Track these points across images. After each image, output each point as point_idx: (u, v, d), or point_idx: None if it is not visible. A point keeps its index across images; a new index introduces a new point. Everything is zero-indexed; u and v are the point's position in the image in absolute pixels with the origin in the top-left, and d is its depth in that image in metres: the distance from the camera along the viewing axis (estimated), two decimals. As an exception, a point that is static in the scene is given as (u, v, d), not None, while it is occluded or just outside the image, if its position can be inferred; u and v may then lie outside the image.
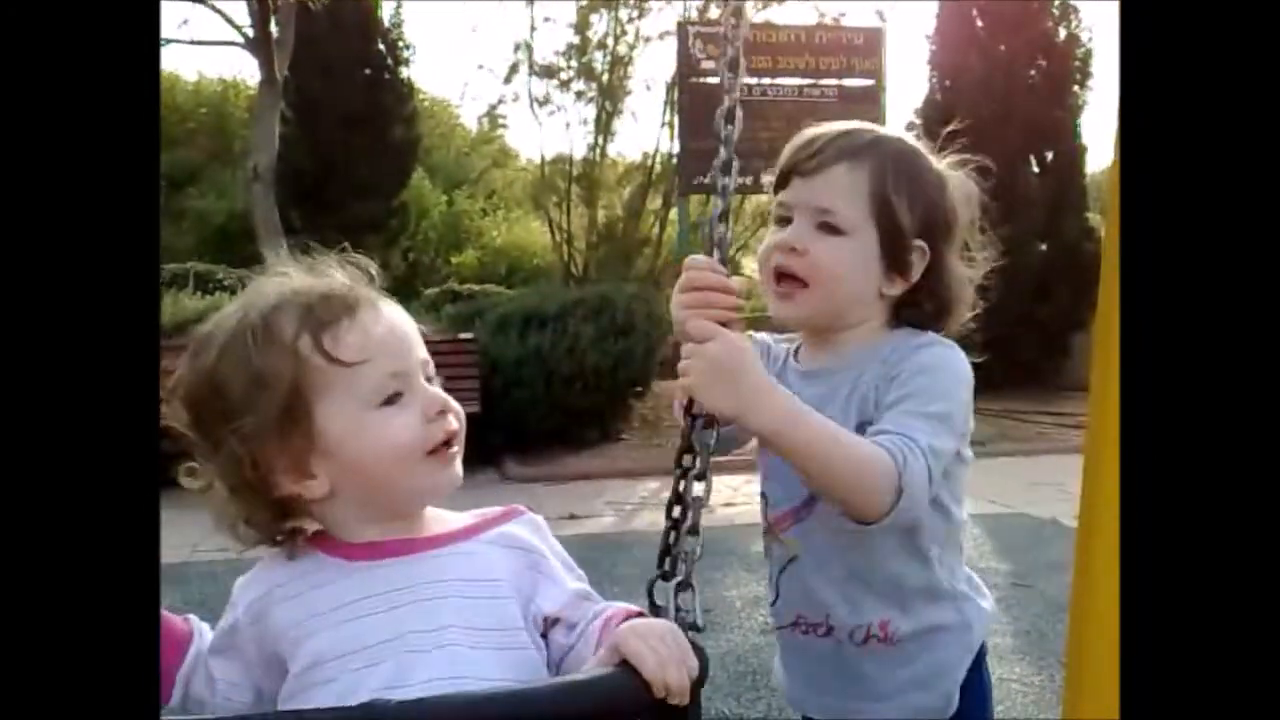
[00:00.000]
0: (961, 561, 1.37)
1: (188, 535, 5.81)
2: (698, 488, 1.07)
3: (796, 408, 1.12)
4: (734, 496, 6.74)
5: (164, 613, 1.05)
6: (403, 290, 13.24)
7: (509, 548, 1.06)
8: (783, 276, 1.29)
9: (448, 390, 1.07)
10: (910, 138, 1.38)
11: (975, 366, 1.32)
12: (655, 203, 14.01)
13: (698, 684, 0.91)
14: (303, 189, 11.84)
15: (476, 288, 12.30)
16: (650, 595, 1.04)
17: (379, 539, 1.03)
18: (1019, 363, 11.08)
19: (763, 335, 1.43)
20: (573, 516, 5.71)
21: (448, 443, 1.03)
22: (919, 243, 1.29)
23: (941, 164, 1.37)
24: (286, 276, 1.05)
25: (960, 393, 1.25)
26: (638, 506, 6.42)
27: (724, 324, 1.12)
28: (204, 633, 1.10)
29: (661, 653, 0.89)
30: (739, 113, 1.13)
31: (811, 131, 1.33)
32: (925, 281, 1.31)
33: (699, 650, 0.93)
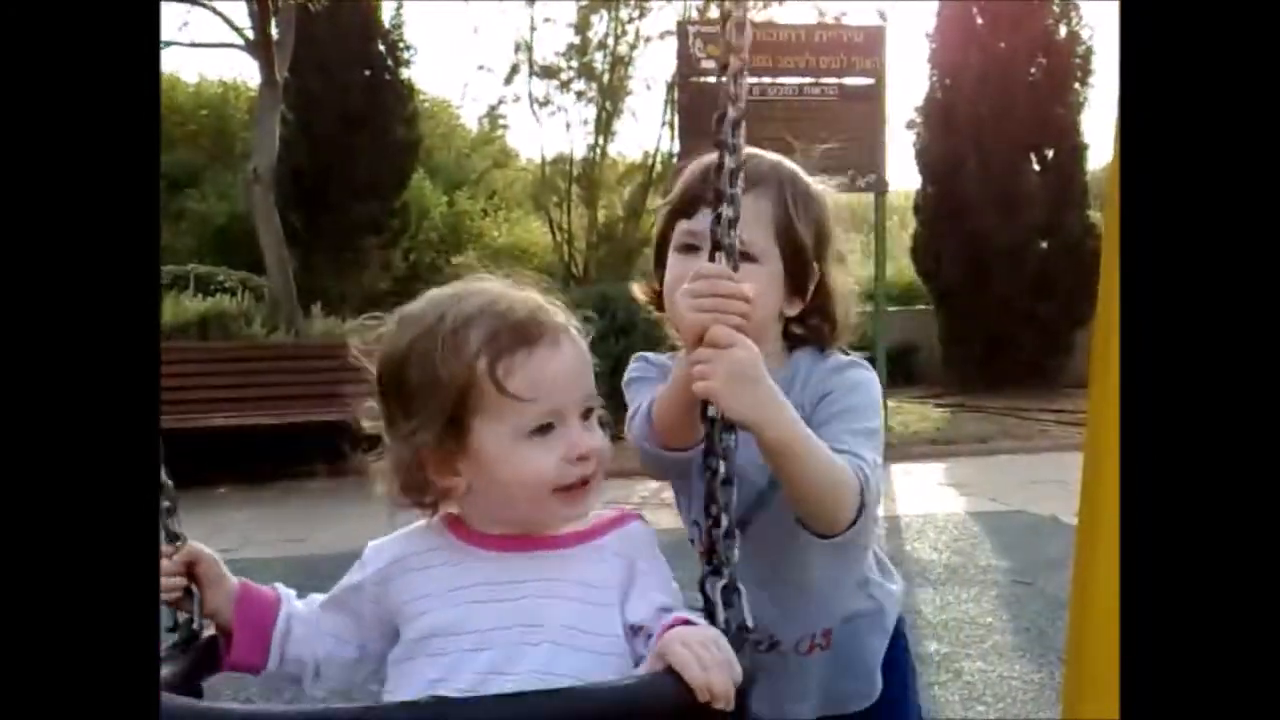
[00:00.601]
0: (874, 545, 1.43)
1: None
2: (726, 492, 1.09)
3: (797, 416, 1.15)
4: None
5: (249, 582, 1.18)
6: (404, 291, 13.20)
7: (618, 555, 1.12)
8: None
9: None
10: (787, 159, 1.39)
11: (975, 361, 1.34)
12: (656, 203, 14.00)
13: (743, 689, 0.94)
14: (303, 190, 11.83)
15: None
16: (703, 589, 1.08)
17: (507, 533, 1.12)
18: (1020, 360, 11.08)
19: (657, 356, 1.43)
20: (574, 516, 5.79)
21: (585, 482, 1.10)
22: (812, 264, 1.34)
23: (821, 186, 1.40)
24: (489, 288, 1.13)
25: (878, 407, 1.33)
26: (637, 506, 6.41)
27: (737, 330, 1.12)
28: (291, 598, 1.19)
29: (705, 658, 0.92)
30: (744, 125, 1.12)
31: (710, 159, 1.27)
32: (816, 299, 1.35)
33: (744, 655, 0.97)
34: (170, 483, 1.15)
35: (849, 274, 1.43)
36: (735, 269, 1.12)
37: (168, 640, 1.14)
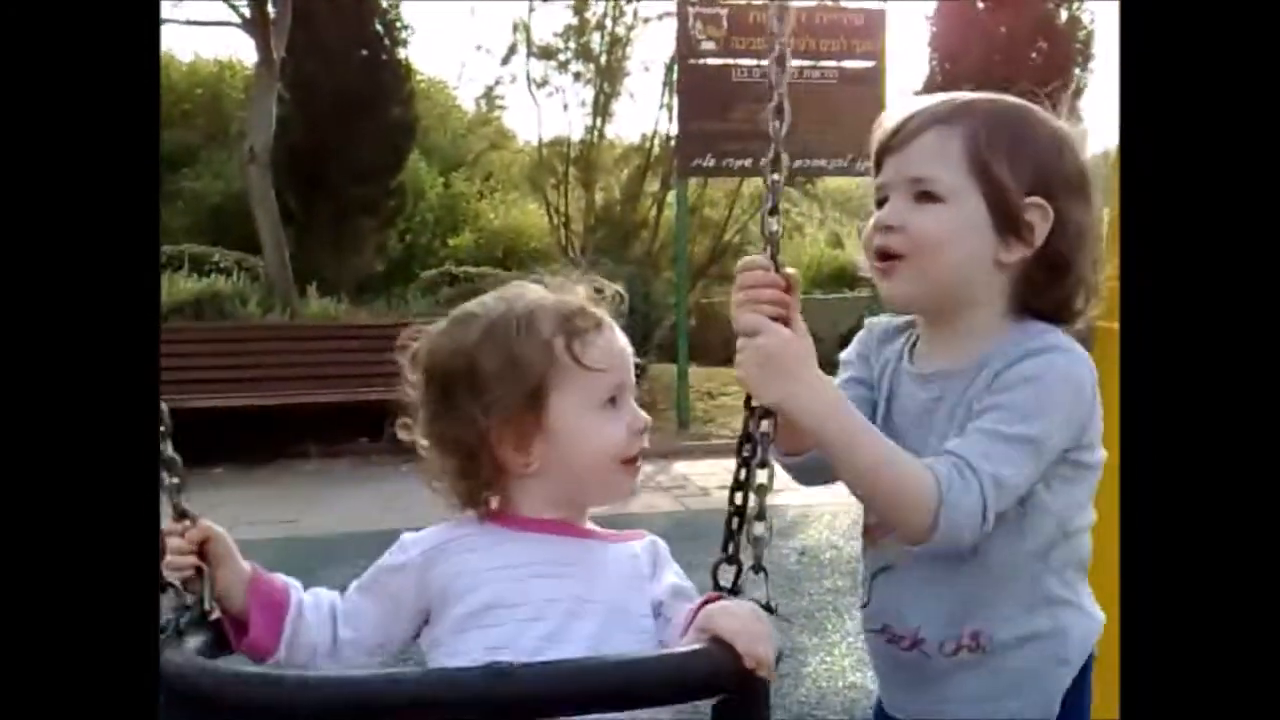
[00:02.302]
0: (1076, 569, 1.27)
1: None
2: (761, 475, 1.11)
3: (841, 408, 1.12)
4: (730, 480, 6.76)
5: (259, 569, 1.18)
6: (400, 272, 13.21)
7: (646, 553, 1.22)
8: (884, 255, 1.24)
9: None
10: (1012, 97, 1.29)
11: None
12: (653, 185, 13.97)
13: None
14: (299, 170, 11.77)
15: (474, 270, 12.25)
16: (715, 577, 1.12)
17: (554, 518, 1.20)
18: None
19: (882, 318, 1.38)
20: (570, 498, 5.80)
21: (637, 458, 1.20)
22: (1034, 199, 1.20)
23: (1059, 121, 1.27)
24: (543, 287, 1.24)
25: (1063, 409, 1.16)
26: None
27: (779, 319, 1.11)
28: (298, 587, 1.21)
29: (752, 629, 0.99)
30: (787, 109, 1.11)
31: (898, 108, 1.28)
32: (1048, 247, 1.21)
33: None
34: (179, 459, 1.13)
35: (1102, 221, 1.26)
36: (773, 256, 1.12)
37: (172, 618, 1.09)
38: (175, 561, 1.12)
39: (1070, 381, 1.17)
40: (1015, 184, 1.20)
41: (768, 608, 1.05)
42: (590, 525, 1.23)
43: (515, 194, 17.55)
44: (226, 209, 13.55)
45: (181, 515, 1.15)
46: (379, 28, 12.81)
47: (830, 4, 11.41)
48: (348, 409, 7.38)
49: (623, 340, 1.22)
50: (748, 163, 9.03)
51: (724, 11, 9.16)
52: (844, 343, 1.42)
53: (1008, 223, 1.20)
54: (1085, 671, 1.28)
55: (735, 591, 1.09)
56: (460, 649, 1.10)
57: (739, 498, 1.13)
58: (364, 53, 12.56)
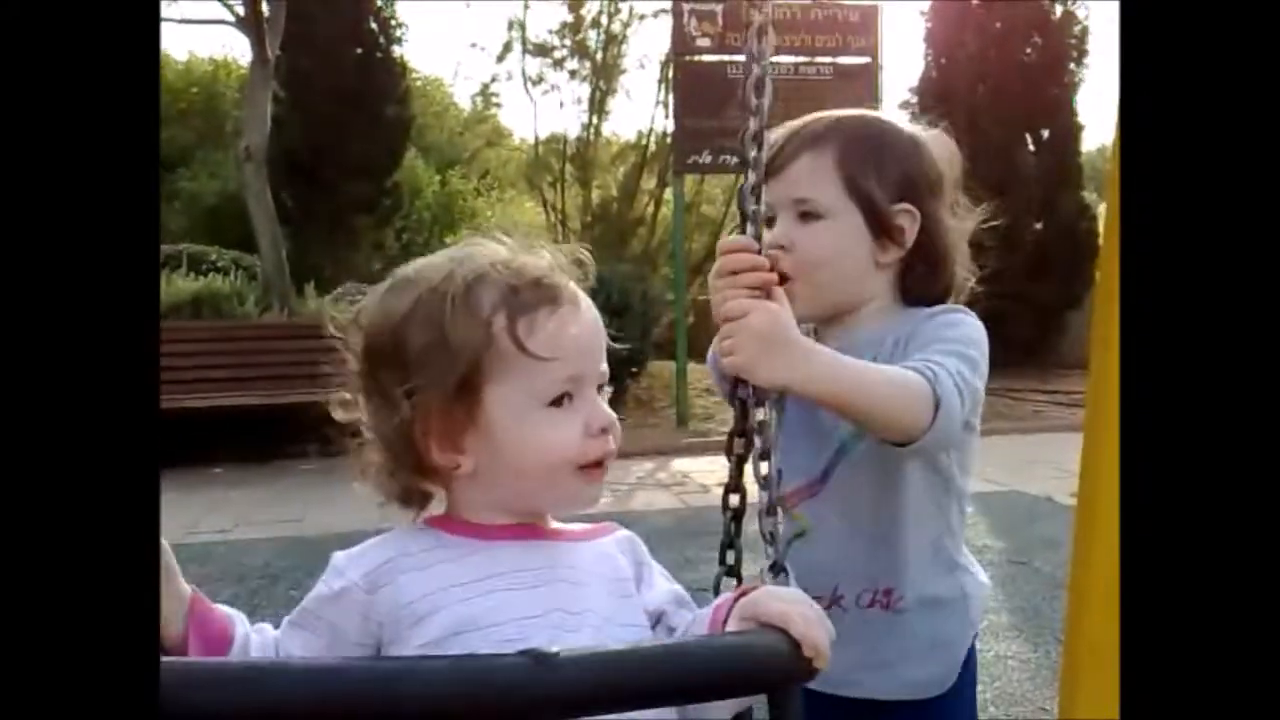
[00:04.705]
0: (961, 537, 1.38)
1: (185, 516, 5.84)
2: (764, 467, 1.05)
3: (839, 360, 1.13)
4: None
5: (199, 595, 0.98)
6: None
7: (624, 553, 1.06)
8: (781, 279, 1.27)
9: None
10: (871, 112, 1.41)
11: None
12: (650, 182, 13.99)
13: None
14: (295, 169, 11.76)
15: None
16: (716, 592, 1.04)
17: (511, 523, 1.01)
18: (1014, 341, 11.08)
19: None
20: (568, 496, 5.79)
21: (600, 462, 1.00)
22: (903, 206, 1.31)
23: (914, 128, 1.39)
24: (501, 247, 1.01)
25: (982, 345, 1.27)
26: (633, 487, 6.43)
27: (766, 295, 1.10)
28: (243, 619, 1.01)
29: (807, 614, 0.87)
30: (769, 83, 1.10)
31: (773, 133, 1.29)
32: (921, 244, 1.32)
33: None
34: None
35: (964, 219, 1.39)
36: (757, 237, 1.11)
37: None
38: None
39: (979, 331, 1.29)
40: (884, 193, 1.31)
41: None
42: (555, 525, 1.05)
43: (512, 191, 17.58)
44: (223, 208, 13.55)
45: None
46: (374, 25, 12.80)
47: (825, 0, 11.42)
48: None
49: (587, 322, 1.00)
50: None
51: (719, 8, 9.15)
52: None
53: (882, 229, 1.31)
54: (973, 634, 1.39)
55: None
56: None
57: (735, 500, 1.06)
58: (359, 51, 12.56)
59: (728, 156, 9.02)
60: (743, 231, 1.12)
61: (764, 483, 1.04)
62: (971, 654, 1.39)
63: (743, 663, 0.84)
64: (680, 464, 7.28)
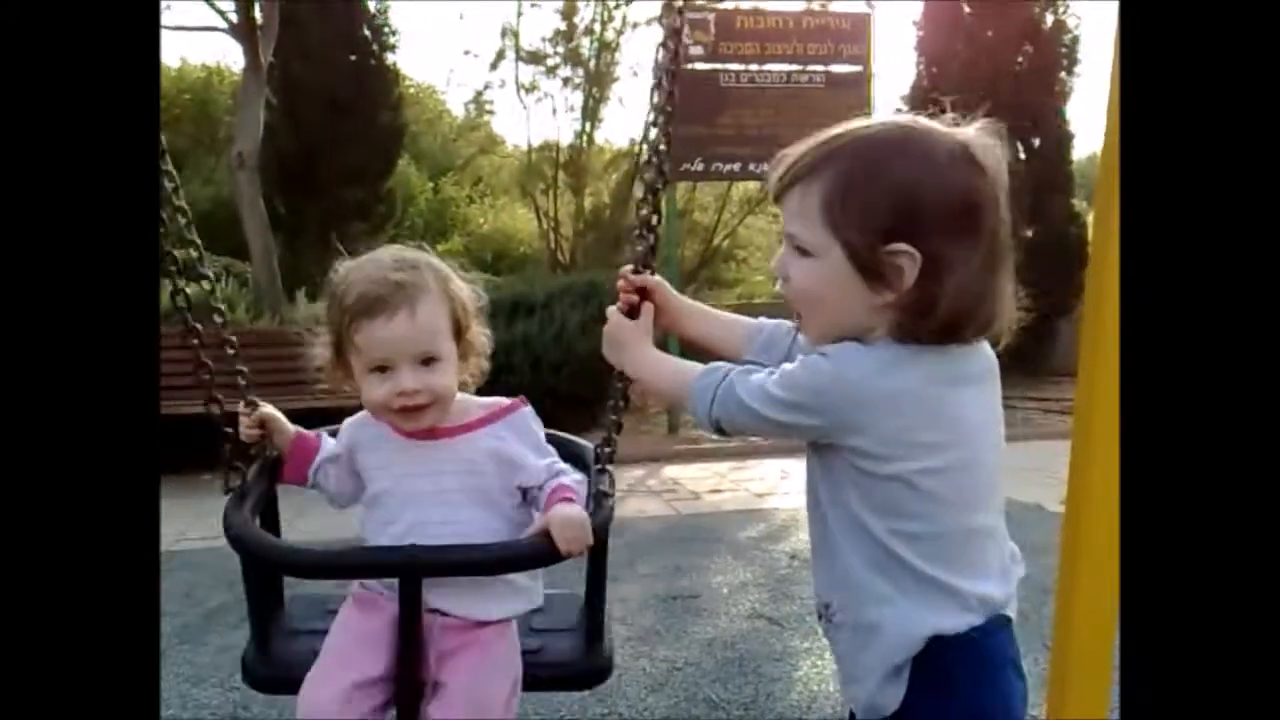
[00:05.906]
0: (909, 571, 1.28)
1: (175, 524, 5.81)
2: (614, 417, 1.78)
3: (659, 358, 1.52)
4: (720, 483, 6.76)
5: (303, 431, 1.80)
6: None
7: (498, 438, 1.66)
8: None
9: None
10: (894, 125, 1.28)
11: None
12: (642, 190, 13.96)
13: (601, 535, 1.58)
14: (288, 176, 11.75)
15: (464, 275, 12.25)
16: (599, 460, 1.80)
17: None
18: (1003, 348, 11.11)
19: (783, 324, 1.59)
20: (560, 503, 5.78)
21: (411, 409, 1.61)
22: (897, 248, 1.20)
23: (950, 137, 1.24)
24: (380, 257, 1.66)
25: (804, 389, 1.25)
26: (625, 493, 6.43)
27: (630, 309, 1.61)
28: (330, 445, 1.78)
29: (568, 535, 1.52)
30: (671, 85, 1.60)
31: (785, 152, 1.31)
32: (922, 286, 1.21)
33: (602, 517, 1.61)
34: (245, 370, 1.88)
35: (999, 254, 1.26)
36: (645, 263, 1.66)
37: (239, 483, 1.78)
38: (246, 434, 1.76)
39: (820, 379, 1.24)
40: (870, 236, 1.21)
41: (603, 494, 1.67)
42: (460, 413, 1.66)
43: (504, 199, 17.57)
44: (215, 215, 13.50)
45: (251, 404, 1.79)
46: (367, 32, 12.79)
47: (817, 8, 11.45)
48: (341, 414, 7.34)
49: (401, 328, 1.57)
50: (736, 167, 9.06)
51: (711, 17, 9.18)
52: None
53: (870, 272, 1.22)
54: (943, 673, 1.26)
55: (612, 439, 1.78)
56: (369, 522, 1.69)
57: (606, 450, 1.83)
58: (352, 58, 12.53)
59: (720, 164, 9.04)
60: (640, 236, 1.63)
61: (612, 425, 1.79)
62: (947, 668, 1.27)
63: (515, 556, 1.58)
64: (671, 470, 7.28)
